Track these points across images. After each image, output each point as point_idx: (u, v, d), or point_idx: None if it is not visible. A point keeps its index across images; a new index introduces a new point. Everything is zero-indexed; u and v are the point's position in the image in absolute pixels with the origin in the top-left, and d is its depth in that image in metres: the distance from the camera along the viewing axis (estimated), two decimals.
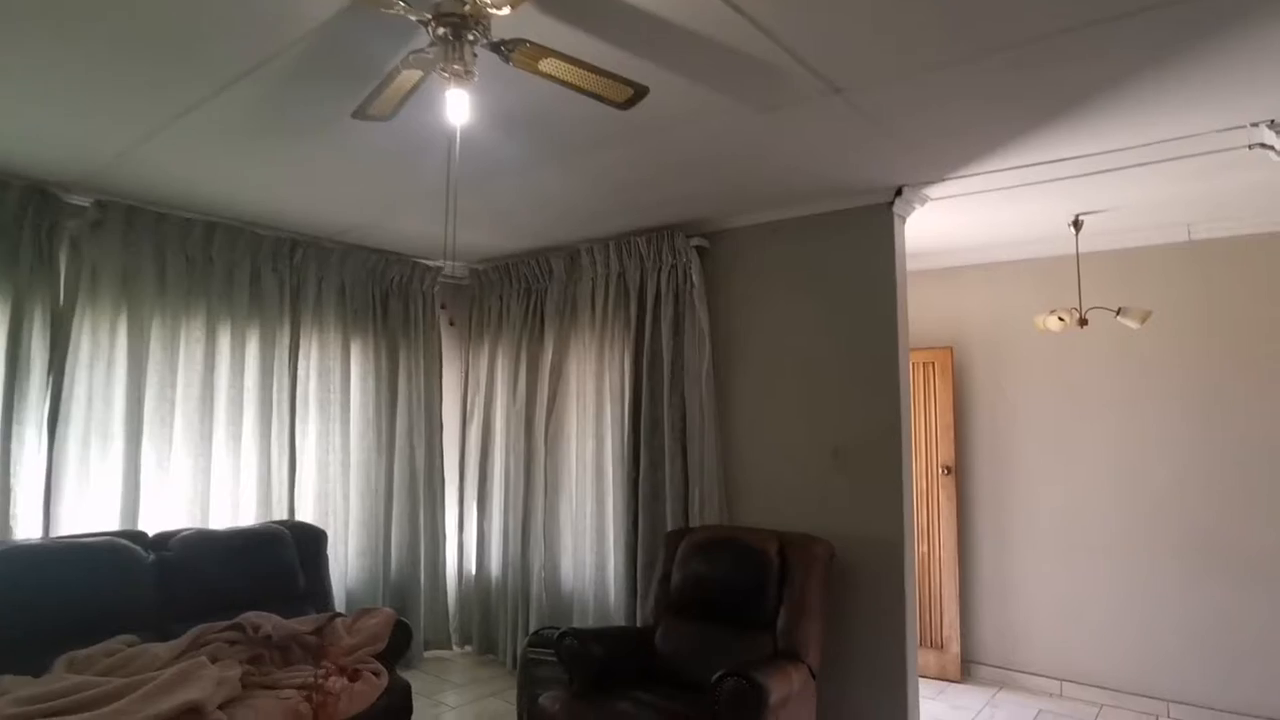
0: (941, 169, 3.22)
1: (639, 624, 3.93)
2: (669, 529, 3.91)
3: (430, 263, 4.97)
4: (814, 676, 3.13)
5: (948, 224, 4.13)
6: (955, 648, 4.50)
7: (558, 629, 3.44)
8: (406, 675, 4.50)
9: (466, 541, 4.98)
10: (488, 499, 4.88)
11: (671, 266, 4.07)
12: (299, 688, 2.46)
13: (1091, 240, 4.22)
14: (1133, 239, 4.24)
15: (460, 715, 3.97)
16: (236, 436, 3.94)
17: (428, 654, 4.81)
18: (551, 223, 4.15)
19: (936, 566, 4.59)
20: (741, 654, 3.14)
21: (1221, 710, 3.90)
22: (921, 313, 4.76)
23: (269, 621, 3.14)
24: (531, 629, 4.45)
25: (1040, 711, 4.08)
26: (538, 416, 4.62)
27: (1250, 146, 2.90)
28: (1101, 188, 3.43)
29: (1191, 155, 3.02)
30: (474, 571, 4.89)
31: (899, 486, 3.44)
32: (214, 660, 2.97)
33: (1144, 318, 3.62)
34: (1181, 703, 4.00)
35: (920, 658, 4.16)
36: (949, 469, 4.59)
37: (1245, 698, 3.85)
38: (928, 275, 4.84)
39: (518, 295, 4.88)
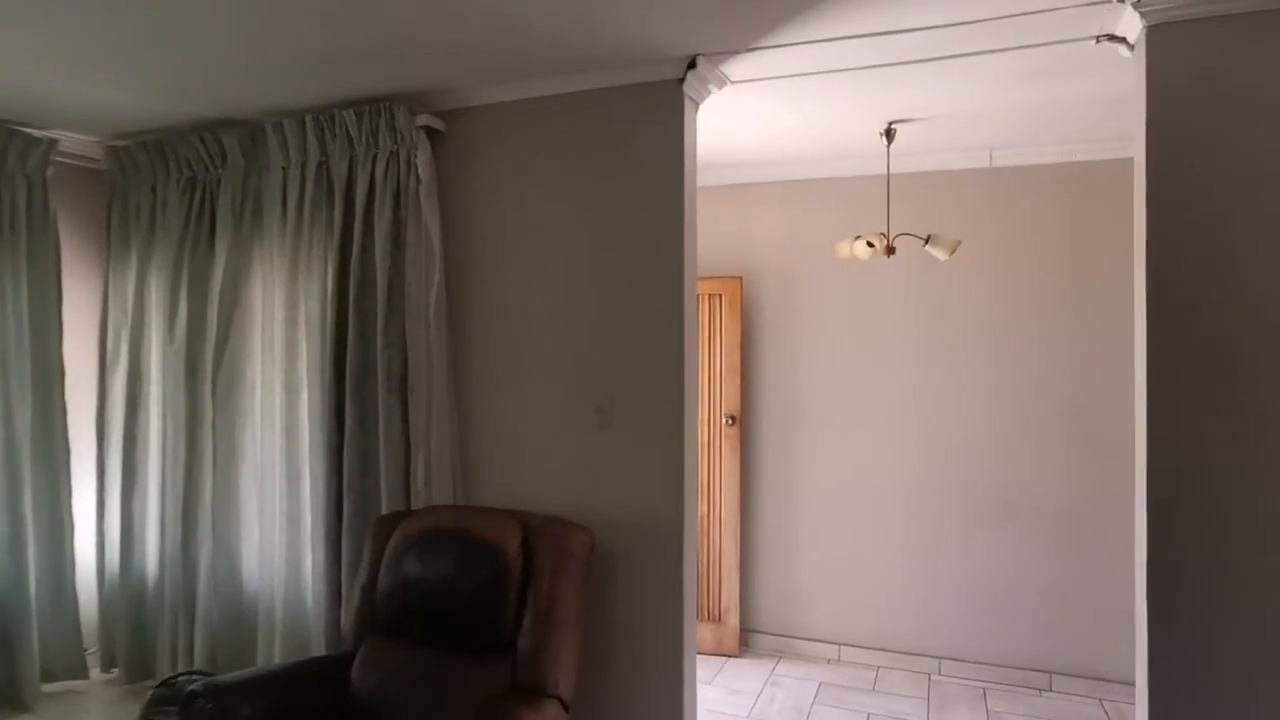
0: (744, 32, 2.41)
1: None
2: (384, 511, 2.92)
3: (36, 132, 3.38)
4: (566, 709, 2.35)
5: (744, 130, 3.39)
6: (734, 619, 4.01)
7: (199, 675, 2.35)
8: None
9: (109, 531, 3.60)
10: (139, 472, 3.52)
11: (391, 154, 2.95)
12: None
13: (896, 162, 3.71)
14: (937, 161, 3.79)
15: None
16: None
17: (50, 688, 3.44)
18: (215, 71, 2.82)
19: (716, 530, 4.03)
20: (469, 691, 2.27)
21: (989, 664, 3.74)
22: (708, 236, 4.06)
23: None
24: (199, 644, 3.27)
25: (821, 684, 3.69)
26: (205, 358, 3.33)
27: (1098, 39, 2.38)
28: (917, 85, 2.84)
29: (1028, 46, 2.47)
30: (118, 572, 3.55)
31: (680, 450, 2.70)
32: None
33: (953, 248, 3.16)
34: (953, 659, 3.80)
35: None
36: (733, 419, 4.01)
37: (1017, 650, 3.70)
38: (716, 192, 4.14)
39: (178, 187, 3.46)
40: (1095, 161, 3.57)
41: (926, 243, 3.18)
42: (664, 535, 2.70)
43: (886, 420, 3.92)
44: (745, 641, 4.10)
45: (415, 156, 2.91)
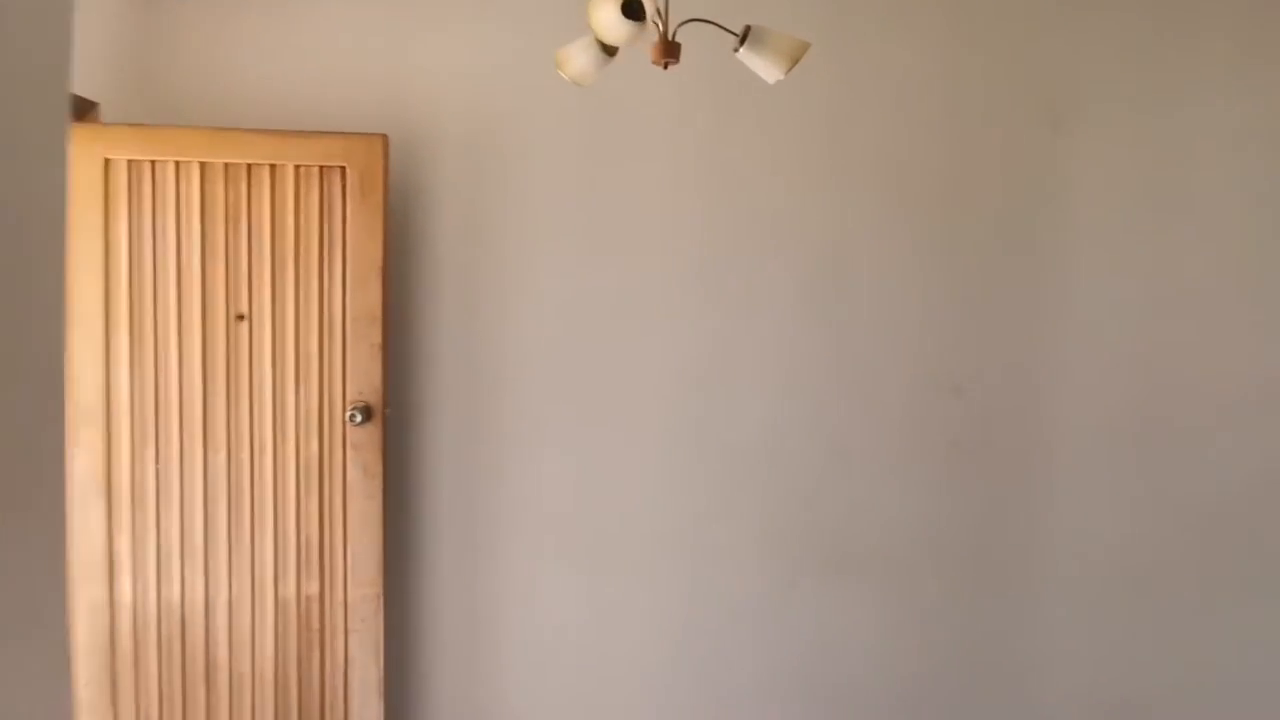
0: None
1: None
2: None
3: None
4: None
5: None
6: None
7: None
8: None
9: None
10: None
11: None
12: None
13: None
14: None
15: None
16: None
17: None
18: None
19: (334, 622, 2.12)
20: None
21: None
22: (316, 62, 2.09)
23: None
24: None
25: None
26: None
27: None
28: None
29: None
30: None
31: (58, 557, 0.76)
32: None
33: (796, 56, 1.48)
34: None
35: None
36: (368, 411, 2.09)
37: None
38: None
39: None
40: None
41: (742, 43, 1.48)
42: None
43: (655, 404, 2.27)
44: None
45: None
